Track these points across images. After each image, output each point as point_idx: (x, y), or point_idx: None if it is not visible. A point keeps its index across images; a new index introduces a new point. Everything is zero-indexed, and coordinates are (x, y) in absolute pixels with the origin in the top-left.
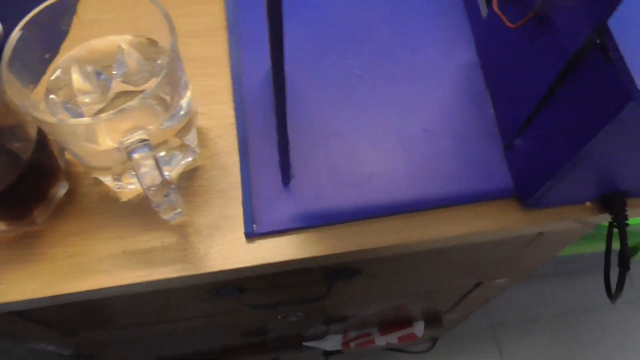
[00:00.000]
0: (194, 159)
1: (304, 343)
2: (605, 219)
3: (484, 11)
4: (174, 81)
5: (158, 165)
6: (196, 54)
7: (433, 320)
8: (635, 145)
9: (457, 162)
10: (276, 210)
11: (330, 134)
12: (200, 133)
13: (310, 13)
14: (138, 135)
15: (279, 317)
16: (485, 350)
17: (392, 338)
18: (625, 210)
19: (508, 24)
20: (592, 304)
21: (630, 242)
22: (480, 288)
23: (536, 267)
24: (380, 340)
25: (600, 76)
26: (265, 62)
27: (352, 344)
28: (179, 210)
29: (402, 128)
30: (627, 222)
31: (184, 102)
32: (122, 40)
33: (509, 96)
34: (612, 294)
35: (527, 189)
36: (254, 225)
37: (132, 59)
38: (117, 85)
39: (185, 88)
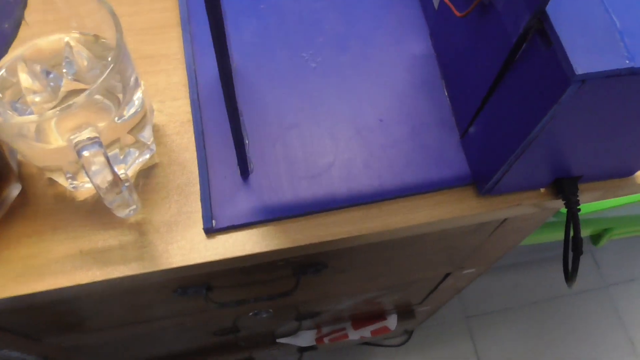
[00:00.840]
0: (151, 157)
1: (277, 340)
2: (560, 205)
3: (435, 1)
4: (123, 77)
5: (109, 162)
6: (151, 51)
7: (405, 312)
8: (580, 129)
9: (414, 151)
10: (235, 205)
11: (287, 127)
12: (157, 130)
13: (265, 8)
14: (87, 133)
15: (250, 314)
16: (459, 342)
17: (366, 332)
18: (577, 195)
19: (456, 13)
20: (562, 291)
21: (595, 229)
22: (450, 279)
23: (501, 255)
24: (354, 335)
25: (541, 61)
26: None
27: (325, 339)
28: (133, 207)
29: (359, 119)
30: (578, 206)
31: (136, 99)
32: (70, 38)
33: (461, 85)
34: (570, 278)
35: (482, 176)
36: (213, 221)
37: (82, 56)
38: (68, 84)
39: (137, 84)
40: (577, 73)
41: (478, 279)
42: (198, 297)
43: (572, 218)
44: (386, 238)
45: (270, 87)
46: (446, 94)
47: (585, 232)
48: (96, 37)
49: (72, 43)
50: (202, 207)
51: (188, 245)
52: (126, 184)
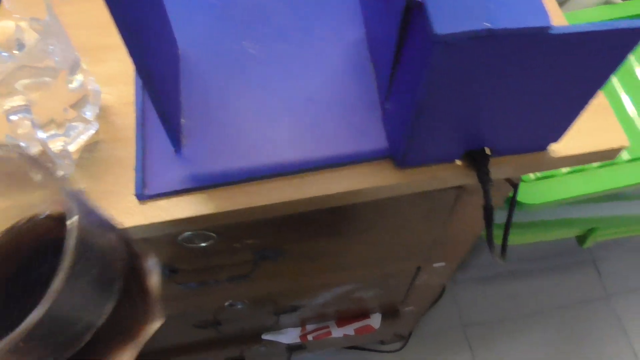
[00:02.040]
0: (95, 133)
1: (262, 337)
2: (474, 177)
3: None
4: (62, 56)
5: (34, 125)
6: (110, 42)
7: (390, 312)
8: (461, 95)
9: (339, 128)
10: (167, 174)
11: (222, 107)
12: (104, 110)
13: None
14: (18, 100)
15: (226, 304)
16: (456, 350)
17: (349, 330)
18: (487, 166)
19: None
20: (563, 301)
21: (580, 229)
22: (422, 273)
23: (467, 248)
24: (337, 332)
25: (419, 30)
26: None
27: (309, 337)
28: (63, 173)
29: (290, 100)
30: (490, 178)
31: (75, 78)
32: (21, 22)
33: (380, 65)
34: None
35: (396, 149)
36: (145, 189)
37: (31, 37)
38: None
39: (77, 65)
40: (436, 33)
41: (475, 288)
42: (163, 280)
43: (483, 189)
44: (307, 208)
45: (211, 73)
46: (374, 76)
47: (570, 233)
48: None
49: (23, 25)
50: (135, 175)
51: (122, 211)
52: (57, 148)
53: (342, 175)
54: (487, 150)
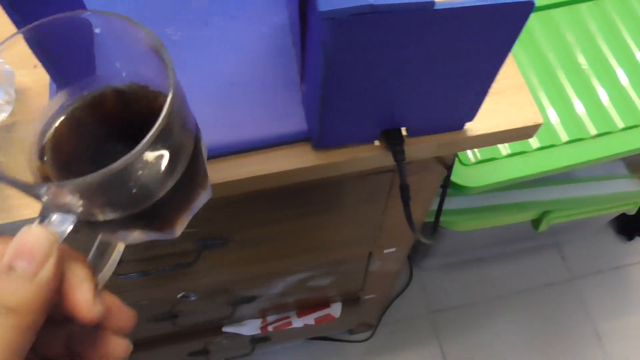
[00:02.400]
0: (11, 114)
1: (223, 329)
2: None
3: None
4: None
5: None
6: None
7: (350, 300)
8: (361, 72)
9: (260, 111)
10: None
11: None
12: (21, 93)
13: None
14: None
15: (178, 296)
16: (423, 336)
17: (309, 320)
18: (402, 146)
19: None
20: (527, 285)
21: (534, 213)
22: (375, 260)
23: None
24: (298, 322)
25: (311, 8)
26: None
27: (270, 328)
28: None
29: (211, 84)
30: (404, 157)
31: None
32: None
33: (297, 48)
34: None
35: (312, 130)
36: None
37: None
38: None
39: None
40: (321, 10)
41: (442, 275)
42: None
43: (399, 169)
44: (224, 193)
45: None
46: (296, 58)
47: (524, 217)
48: None
49: None
50: None
51: None
52: None
53: (261, 158)
54: (404, 131)
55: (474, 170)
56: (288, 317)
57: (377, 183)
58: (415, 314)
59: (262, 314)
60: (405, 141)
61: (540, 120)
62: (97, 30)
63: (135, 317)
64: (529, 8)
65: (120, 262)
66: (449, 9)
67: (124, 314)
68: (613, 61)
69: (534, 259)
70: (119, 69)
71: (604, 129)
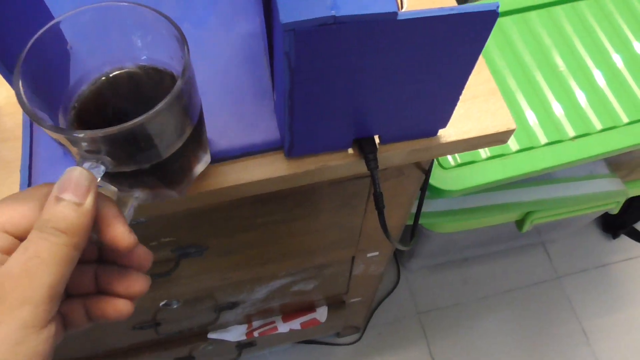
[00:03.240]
0: None
1: (208, 335)
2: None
3: None
4: None
5: None
6: None
7: (336, 304)
8: (327, 81)
9: (232, 121)
10: (54, 175)
11: None
12: None
13: None
14: None
15: (160, 304)
16: (411, 338)
17: (295, 324)
18: (375, 154)
19: None
20: (513, 284)
21: (518, 213)
22: (359, 263)
23: (397, 235)
24: (283, 327)
25: (276, 17)
26: None
27: (255, 333)
28: None
29: None
30: (376, 165)
31: None
32: None
33: (269, 57)
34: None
35: (284, 139)
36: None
37: None
38: None
39: None
40: (283, 22)
41: (429, 276)
42: None
43: (372, 177)
44: (197, 204)
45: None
46: (269, 69)
47: (508, 218)
48: None
49: None
50: (21, 177)
51: None
52: None
53: (234, 167)
54: (377, 138)
55: (453, 173)
56: (273, 322)
57: (355, 188)
58: (403, 315)
59: (247, 319)
60: (378, 149)
61: (513, 125)
62: (124, 20)
63: (152, 256)
64: (493, 17)
65: None
66: (412, 19)
67: (143, 252)
68: (590, 63)
69: (519, 258)
70: (139, 52)
71: (582, 131)
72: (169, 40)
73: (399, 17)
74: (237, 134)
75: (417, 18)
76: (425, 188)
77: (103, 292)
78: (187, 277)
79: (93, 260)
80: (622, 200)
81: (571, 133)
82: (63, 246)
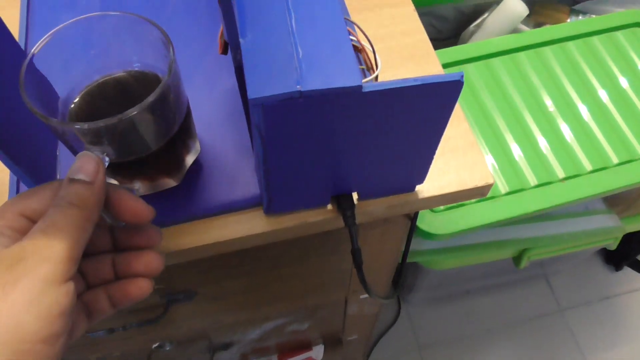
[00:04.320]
0: None
1: None
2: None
3: None
4: None
5: None
6: None
7: (332, 342)
8: (300, 148)
9: (214, 175)
10: None
11: None
12: None
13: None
14: None
15: (153, 347)
16: None
17: None
18: (353, 211)
19: (219, 51)
20: (516, 317)
21: (514, 250)
22: (353, 304)
23: (388, 279)
24: None
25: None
26: None
27: None
28: None
29: None
30: (354, 222)
31: None
32: None
33: (246, 117)
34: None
35: (262, 197)
36: None
37: None
38: None
39: None
40: (250, 97)
41: (430, 309)
42: None
43: (350, 233)
44: (178, 260)
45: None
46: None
47: (504, 255)
48: None
49: None
50: None
51: None
52: None
53: (214, 224)
54: (355, 195)
55: (443, 216)
56: None
57: (340, 236)
58: (404, 350)
59: (242, 358)
60: (355, 206)
61: (491, 180)
62: (113, 26)
63: (161, 232)
64: (458, 87)
65: None
66: (378, 91)
67: (153, 230)
68: (579, 103)
69: (521, 290)
70: (130, 57)
71: (573, 172)
72: (155, 43)
73: (364, 90)
74: (218, 190)
75: (382, 90)
76: (410, 236)
77: (123, 277)
78: (178, 320)
79: (108, 250)
80: (620, 236)
81: (561, 174)
82: (77, 216)
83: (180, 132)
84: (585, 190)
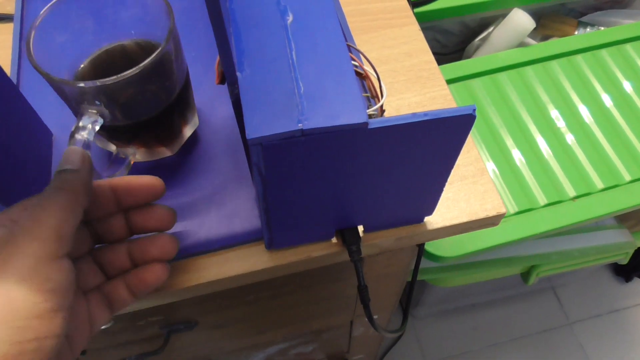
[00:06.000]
0: None
1: None
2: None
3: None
4: None
5: None
6: None
7: None
8: (301, 184)
9: (214, 208)
10: None
11: None
12: None
13: None
14: None
15: None
16: None
17: None
18: (359, 245)
19: (216, 81)
20: (524, 331)
21: (523, 267)
22: (358, 326)
23: (396, 300)
24: None
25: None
26: None
27: None
28: None
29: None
30: (360, 257)
31: None
32: None
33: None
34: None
35: (264, 232)
36: None
37: None
38: None
39: None
40: (248, 137)
41: (436, 323)
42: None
43: (355, 267)
44: (179, 298)
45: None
46: None
47: (513, 271)
48: None
49: None
50: None
51: None
52: None
53: (213, 261)
54: (361, 228)
55: (450, 239)
56: None
57: (345, 263)
58: None
59: None
60: (361, 239)
61: (502, 209)
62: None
63: (175, 212)
64: (470, 121)
65: (84, 351)
66: (384, 127)
67: (166, 211)
68: (589, 118)
69: (530, 303)
70: (136, 27)
71: (583, 191)
72: (158, 14)
73: (370, 126)
74: (218, 224)
75: (390, 126)
76: (418, 265)
77: (140, 265)
78: (180, 348)
79: (124, 239)
80: (631, 251)
81: (572, 193)
82: (64, 198)
83: (178, 101)
84: (597, 209)
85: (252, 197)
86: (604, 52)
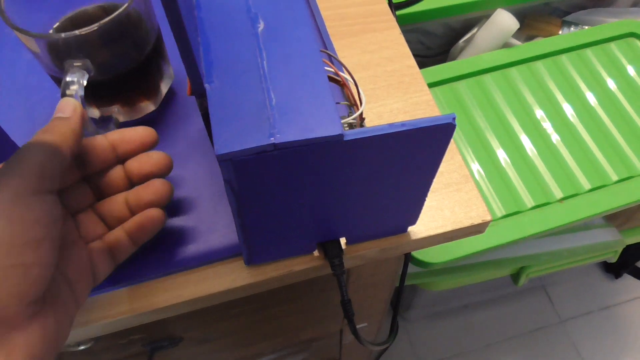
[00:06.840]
0: None
1: None
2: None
3: None
4: None
5: None
6: None
7: None
8: (283, 198)
9: (191, 223)
10: None
11: None
12: None
13: None
14: None
15: None
16: None
17: None
18: (341, 257)
19: (188, 92)
20: (516, 331)
21: (512, 268)
22: (347, 335)
23: (385, 308)
24: None
25: None
26: None
27: None
28: None
29: None
30: (342, 270)
31: None
32: None
33: None
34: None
35: (242, 249)
36: None
37: None
38: None
39: None
40: (217, 153)
41: (429, 325)
42: None
43: (338, 281)
44: (156, 318)
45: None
46: None
47: (502, 273)
48: None
49: None
50: None
51: None
52: None
53: (191, 278)
54: (343, 240)
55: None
56: None
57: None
58: None
59: None
60: (344, 252)
61: (488, 217)
62: None
63: (170, 158)
64: (450, 130)
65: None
66: (361, 139)
67: (162, 157)
68: (575, 119)
69: (521, 303)
70: None
71: (570, 192)
72: None
73: (346, 138)
74: (195, 240)
75: (366, 137)
76: (404, 276)
77: (137, 212)
78: None
79: (124, 189)
80: (620, 249)
81: (559, 194)
82: (49, 140)
83: (153, 53)
84: (585, 210)
85: (229, 210)
86: (588, 52)
